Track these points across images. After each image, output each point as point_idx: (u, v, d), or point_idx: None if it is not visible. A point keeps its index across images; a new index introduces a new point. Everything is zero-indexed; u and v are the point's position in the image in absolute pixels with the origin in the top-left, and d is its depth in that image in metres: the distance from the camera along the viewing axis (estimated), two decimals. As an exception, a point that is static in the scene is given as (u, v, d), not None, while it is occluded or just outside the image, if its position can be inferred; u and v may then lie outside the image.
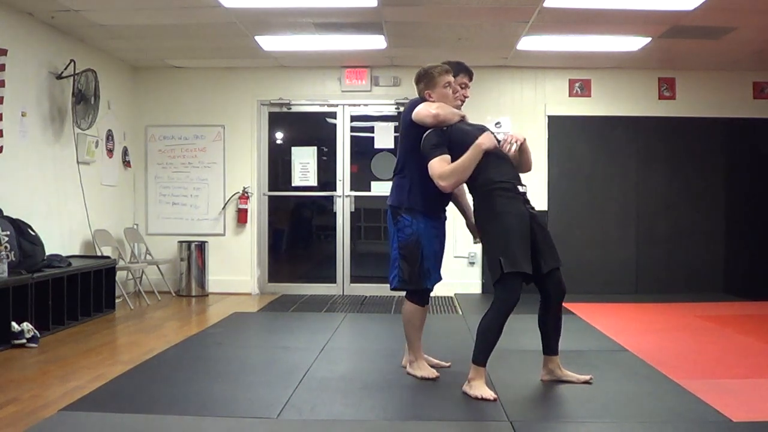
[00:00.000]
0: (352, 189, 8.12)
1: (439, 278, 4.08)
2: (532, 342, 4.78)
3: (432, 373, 3.99)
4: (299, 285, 8.23)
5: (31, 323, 4.96)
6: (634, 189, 8.00)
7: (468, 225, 4.16)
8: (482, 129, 3.91)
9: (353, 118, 8.18)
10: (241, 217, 8.04)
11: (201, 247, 7.88)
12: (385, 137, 8.04)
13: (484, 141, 3.69)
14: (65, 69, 6.42)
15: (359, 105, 8.14)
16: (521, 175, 3.91)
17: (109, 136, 7.48)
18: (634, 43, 6.81)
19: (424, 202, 3.91)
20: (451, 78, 3.93)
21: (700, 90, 7.94)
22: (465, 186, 3.89)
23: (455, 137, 3.79)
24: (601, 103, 7.97)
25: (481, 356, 3.61)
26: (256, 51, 7.24)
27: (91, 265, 6.18)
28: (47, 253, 5.69)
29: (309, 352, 4.66)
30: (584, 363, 4.40)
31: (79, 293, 5.87)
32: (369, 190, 8.06)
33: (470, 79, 4.11)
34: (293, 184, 8.21)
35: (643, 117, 7.94)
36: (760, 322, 6.08)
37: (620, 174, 8.00)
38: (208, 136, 8.12)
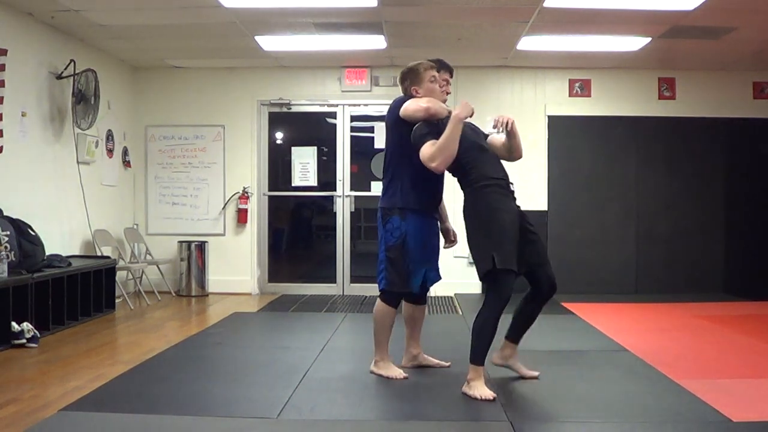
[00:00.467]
0: (352, 189, 8.12)
1: (438, 278, 4.07)
2: (532, 342, 4.78)
3: (399, 373, 3.95)
4: (299, 285, 8.23)
5: (31, 323, 4.95)
6: (634, 189, 8.00)
7: (442, 229, 4.16)
8: (471, 126, 3.91)
9: (353, 118, 8.18)
10: (241, 217, 8.04)
11: (201, 247, 7.88)
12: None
13: (460, 111, 3.65)
14: (65, 69, 6.42)
15: (359, 105, 8.14)
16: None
17: (109, 136, 7.48)
18: (634, 43, 6.81)
19: (416, 201, 3.88)
20: (436, 72, 3.91)
21: (700, 90, 7.94)
22: None
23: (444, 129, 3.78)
24: (601, 103, 7.97)
25: (478, 356, 3.61)
26: (256, 51, 7.24)
27: (91, 265, 6.18)
28: (47, 253, 5.69)
29: (309, 352, 4.66)
30: (584, 363, 4.41)
31: (79, 293, 5.86)
32: (369, 190, 8.05)
33: (450, 76, 4.08)
34: (293, 184, 8.21)
35: (643, 117, 7.94)
36: (760, 322, 6.08)
37: (620, 174, 7.99)
38: (208, 136, 8.12)
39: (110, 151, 7.51)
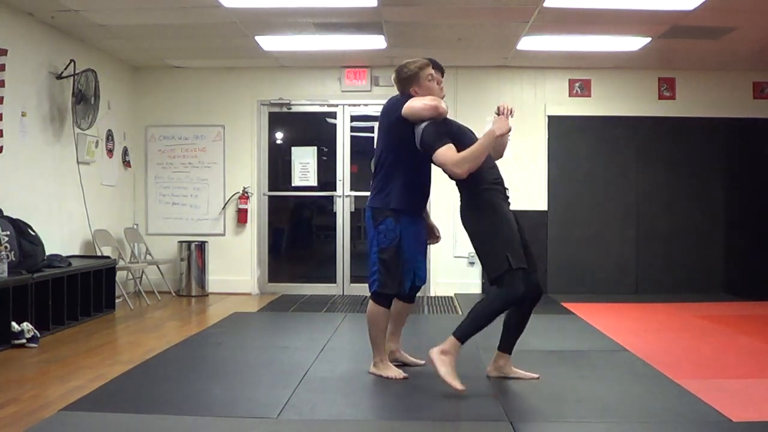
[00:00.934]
0: (352, 189, 8.12)
1: (423, 281, 4.07)
2: (532, 342, 4.78)
3: (399, 373, 3.94)
4: (299, 285, 8.23)
5: (31, 323, 4.95)
6: (634, 189, 8.00)
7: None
8: (459, 126, 3.91)
9: (353, 118, 8.18)
10: (241, 217, 8.04)
11: (201, 247, 7.88)
12: (385, 137, 8.02)
13: (497, 128, 3.60)
14: (65, 69, 6.42)
15: (359, 105, 8.14)
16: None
17: (109, 136, 7.48)
18: (634, 43, 6.81)
19: (410, 203, 3.87)
20: (432, 71, 3.88)
21: (700, 90, 7.94)
22: None
23: (455, 130, 3.77)
24: (601, 103, 7.97)
25: (465, 335, 3.61)
26: (256, 51, 7.23)
27: (91, 265, 6.18)
28: (47, 253, 5.69)
29: (309, 352, 4.66)
30: (584, 363, 4.41)
31: (79, 293, 5.86)
32: (369, 190, 8.03)
33: (442, 75, 4.01)
34: (293, 184, 8.21)
35: (642, 117, 7.94)
36: (760, 322, 6.08)
37: (620, 174, 7.99)
38: (208, 136, 8.12)
39: (110, 151, 7.51)
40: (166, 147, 8.14)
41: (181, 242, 7.90)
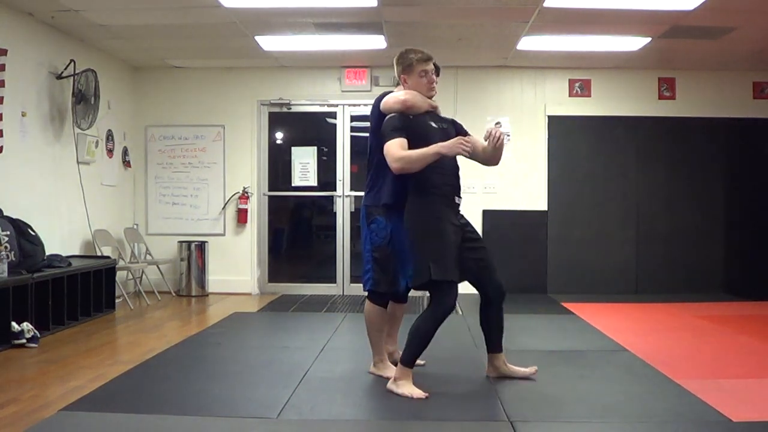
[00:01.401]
0: (352, 189, 8.12)
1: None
2: (532, 342, 4.78)
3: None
4: (299, 285, 8.23)
5: (31, 323, 4.96)
6: (634, 189, 8.00)
7: None
8: (453, 122, 3.93)
9: (353, 118, 8.18)
10: (241, 217, 8.04)
11: (201, 247, 7.88)
12: (385, 137, 8.02)
13: (448, 150, 3.57)
14: (65, 69, 6.42)
15: (359, 105, 8.13)
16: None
17: (109, 136, 7.48)
18: (634, 43, 6.81)
19: (398, 198, 3.84)
20: (429, 67, 3.86)
21: (700, 90, 7.94)
22: None
23: (418, 129, 3.73)
24: (601, 103, 7.97)
25: (411, 358, 3.63)
26: (256, 51, 7.24)
27: (91, 265, 6.18)
28: (47, 253, 5.69)
29: (309, 352, 4.66)
30: (584, 363, 4.41)
31: (79, 293, 5.87)
32: (368, 190, 8.03)
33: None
34: (293, 184, 8.21)
35: (643, 117, 7.94)
36: (760, 322, 6.08)
37: (620, 174, 7.99)
38: (208, 136, 8.12)
39: (110, 151, 7.51)
40: (166, 147, 8.14)
41: (181, 242, 7.90)
